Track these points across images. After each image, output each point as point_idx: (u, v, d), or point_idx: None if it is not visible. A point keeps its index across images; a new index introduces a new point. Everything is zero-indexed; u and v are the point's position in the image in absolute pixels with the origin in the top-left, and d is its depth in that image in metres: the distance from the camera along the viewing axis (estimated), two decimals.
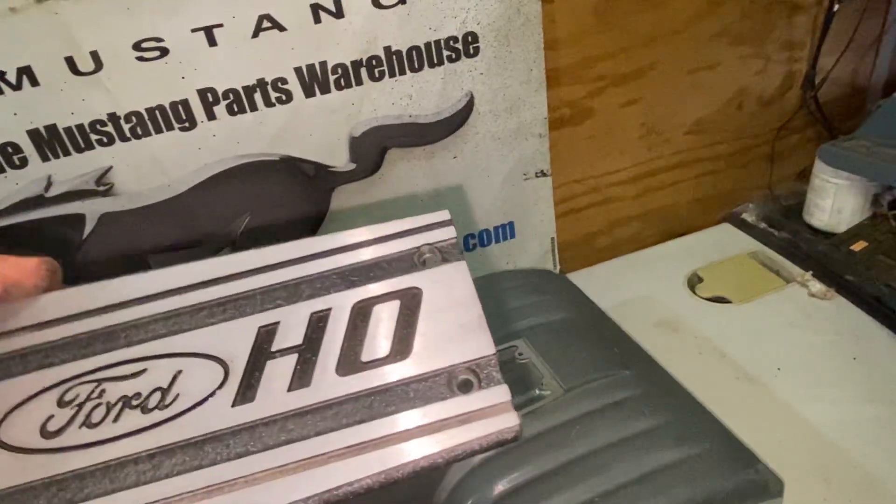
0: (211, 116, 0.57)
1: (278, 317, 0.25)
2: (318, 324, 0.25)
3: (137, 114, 0.55)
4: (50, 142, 0.54)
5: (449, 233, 0.32)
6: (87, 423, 0.20)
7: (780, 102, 0.83)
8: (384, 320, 0.26)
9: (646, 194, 0.83)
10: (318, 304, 0.26)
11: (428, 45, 0.61)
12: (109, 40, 0.52)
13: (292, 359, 0.23)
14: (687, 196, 0.86)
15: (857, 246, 0.71)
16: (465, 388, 0.24)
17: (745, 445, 0.46)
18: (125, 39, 0.52)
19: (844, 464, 0.53)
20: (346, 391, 0.23)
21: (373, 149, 0.65)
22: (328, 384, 0.23)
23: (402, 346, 0.25)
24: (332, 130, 0.62)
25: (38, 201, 0.56)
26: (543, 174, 0.75)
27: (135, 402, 0.21)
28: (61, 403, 0.21)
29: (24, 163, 0.54)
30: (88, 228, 0.58)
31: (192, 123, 0.57)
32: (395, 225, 0.31)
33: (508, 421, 0.25)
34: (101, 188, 0.57)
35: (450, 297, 0.28)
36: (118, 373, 0.22)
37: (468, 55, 0.63)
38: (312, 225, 0.67)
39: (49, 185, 0.56)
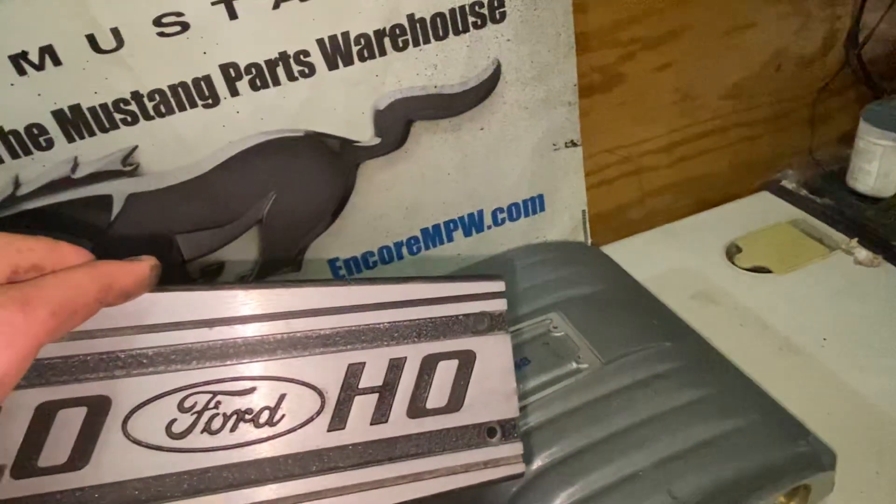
0: (234, 92, 0.56)
1: (363, 357, 0.30)
2: (394, 369, 0.31)
3: (160, 91, 0.55)
4: (75, 122, 0.54)
5: (501, 305, 0.36)
6: (208, 430, 0.25)
7: (822, 62, 0.79)
8: (445, 375, 0.32)
9: (680, 163, 0.80)
10: (395, 351, 0.31)
11: (452, 11, 0.59)
12: (129, 16, 0.51)
13: (374, 397, 0.29)
14: (724, 163, 0.83)
15: None
16: (493, 440, 0.32)
17: (794, 417, 0.44)
18: (145, 15, 0.51)
19: None
20: (413, 430, 0.29)
21: (398, 122, 0.63)
22: (400, 423, 0.29)
23: (455, 400, 0.32)
24: (356, 104, 0.61)
25: (65, 183, 0.56)
26: (574, 144, 0.72)
27: (248, 417, 0.25)
28: (182, 408, 0.25)
29: (49, 144, 0.54)
30: (116, 209, 0.58)
31: (216, 100, 0.56)
32: (460, 287, 0.36)
33: (517, 469, 0.33)
34: (128, 168, 0.57)
35: (495, 364, 0.34)
36: (231, 388, 0.26)
37: (494, 21, 0.61)
38: (339, 201, 0.66)
39: (76, 166, 0.55)
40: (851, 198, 0.75)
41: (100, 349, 0.24)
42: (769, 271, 0.70)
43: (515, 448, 0.33)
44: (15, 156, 0.53)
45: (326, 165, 0.63)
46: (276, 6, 0.54)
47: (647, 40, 0.70)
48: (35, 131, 0.53)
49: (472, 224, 0.74)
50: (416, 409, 0.30)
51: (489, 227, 0.75)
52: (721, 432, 0.41)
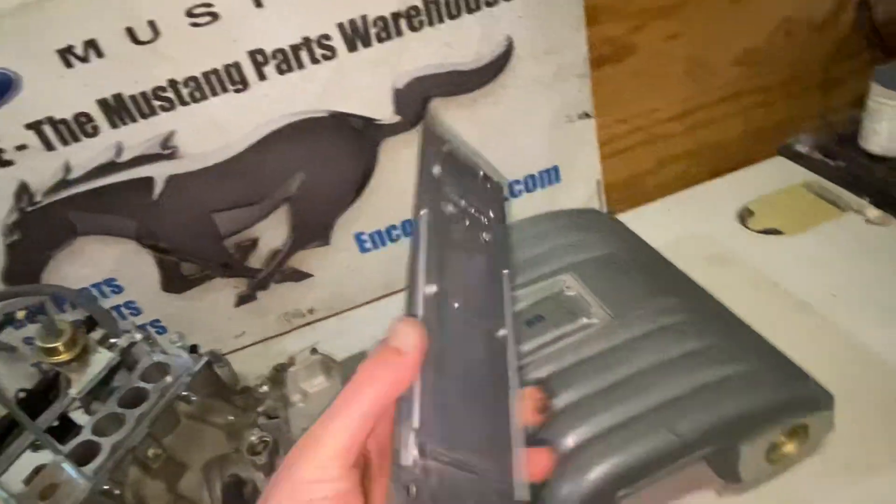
0: (262, 77, 0.60)
1: None
2: None
3: (195, 78, 0.59)
4: (117, 110, 0.58)
5: None
6: None
7: (833, 26, 0.80)
8: None
9: (694, 130, 0.82)
10: None
11: None
12: (164, 9, 0.55)
13: None
14: (737, 130, 0.84)
15: None
16: None
17: (794, 362, 0.46)
18: (179, 7, 0.55)
19: None
20: None
21: (416, 100, 0.66)
22: None
23: None
24: (376, 83, 0.64)
25: (111, 167, 0.61)
26: (587, 115, 0.75)
27: None
28: None
29: (95, 131, 0.58)
30: (158, 190, 0.63)
31: (245, 84, 0.60)
32: None
33: None
34: (167, 151, 0.61)
35: None
36: None
37: None
38: (362, 177, 0.69)
39: (120, 150, 0.60)
40: (864, 159, 0.76)
41: None
42: (781, 233, 0.72)
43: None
44: (65, 143, 0.58)
45: (350, 144, 0.67)
46: None
47: (656, 11, 0.71)
48: (82, 119, 0.58)
49: None
50: None
51: (507, 199, 0.77)
52: (723, 376, 0.43)
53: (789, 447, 0.45)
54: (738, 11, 0.75)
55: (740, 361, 0.45)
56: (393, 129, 0.67)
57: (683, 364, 0.45)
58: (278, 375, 0.59)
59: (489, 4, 0.63)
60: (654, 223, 0.77)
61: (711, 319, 0.50)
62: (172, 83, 0.58)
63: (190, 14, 0.56)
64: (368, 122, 0.66)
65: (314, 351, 0.53)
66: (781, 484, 0.48)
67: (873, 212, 0.70)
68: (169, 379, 0.56)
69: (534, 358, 0.47)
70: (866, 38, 0.82)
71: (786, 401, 0.43)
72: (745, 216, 0.76)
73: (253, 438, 0.49)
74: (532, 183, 0.77)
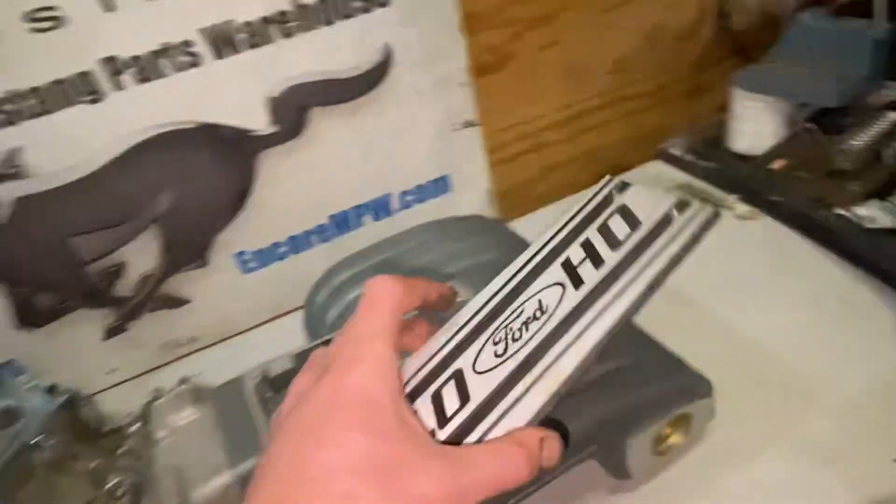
0: (118, 86, 0.56)
1: (567, 255, 0.39)
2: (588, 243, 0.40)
3: (40, 89, 0.54)
4: None
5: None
6: (514, 338, 0.35)
7: (696, 36, 0.85)
8: (618, 223, 0.40)
9: (576, 137, 0.84)
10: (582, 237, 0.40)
11: None
12: None
13: (587, 261, 0.38)
14: (617, 135, 0.87)
15: (777, 164, 0.74)
16: (673, 217, 0.38)
17: (672, 354, 0.47)
18: (14, 10, 0.50)
19: (775, 366, 0.56)
20: (623, 253, 0.37)
21: (293, 109, 0.64)
22: (612, 257, 0.37)
23: (632, 223, 0.39)
24: (248, 92, 0.61)
25: None
26: (471, 124, 0.75)
27: (529, 320, 0.36)
28: (495, 342, 0.35)
29: None
30: (5, 213, 0.56)
31: (100, 95, 0.56)
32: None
33: (706, 213, 0.37)
34: (12, 170, 0.55)
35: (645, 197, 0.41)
36: (513, 315, 0.37)
37: (380, 4, 0.63)
38: (240, 193, 0.66)
39: None
40: (731, 159, 0.80)
41: (450, 347, 0.37)
42: None
43: (693, 208, 0.38)
44: None
45: (223, 157, 0.63)
46: None
47: (530, 20, 0.73)
48: None
49: (381, 208, 0.75)
50: (614, 243, 0.38)
51: (398, 211, 0.76)
52: (602, 373, 0.43)
53: (675, 438, 0.46)
54: (609, 21, 0.78)
55: (619, 357, 0.45)
56: (270, 140, 0.64)
57: None
58: (149, 411, 0.54)
59: (365, 11, 0.62)
60: (541, 229, 0.78)
61: None
62: (14, 95, 0.53)
63: (29, 19, 0.51)
64: (242, 133, 0.63)
65: (182, 381, 0.49)
66: (671, 475, 0.48)
67: (742, 207, 0.74)
68: (19, 425, 0.50)
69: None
70: (728, 47, 0.87)
71: (665, 392, 0.44)
72: None
73: (113, 482, 0.44)
74: (423, 194, 0.76)
